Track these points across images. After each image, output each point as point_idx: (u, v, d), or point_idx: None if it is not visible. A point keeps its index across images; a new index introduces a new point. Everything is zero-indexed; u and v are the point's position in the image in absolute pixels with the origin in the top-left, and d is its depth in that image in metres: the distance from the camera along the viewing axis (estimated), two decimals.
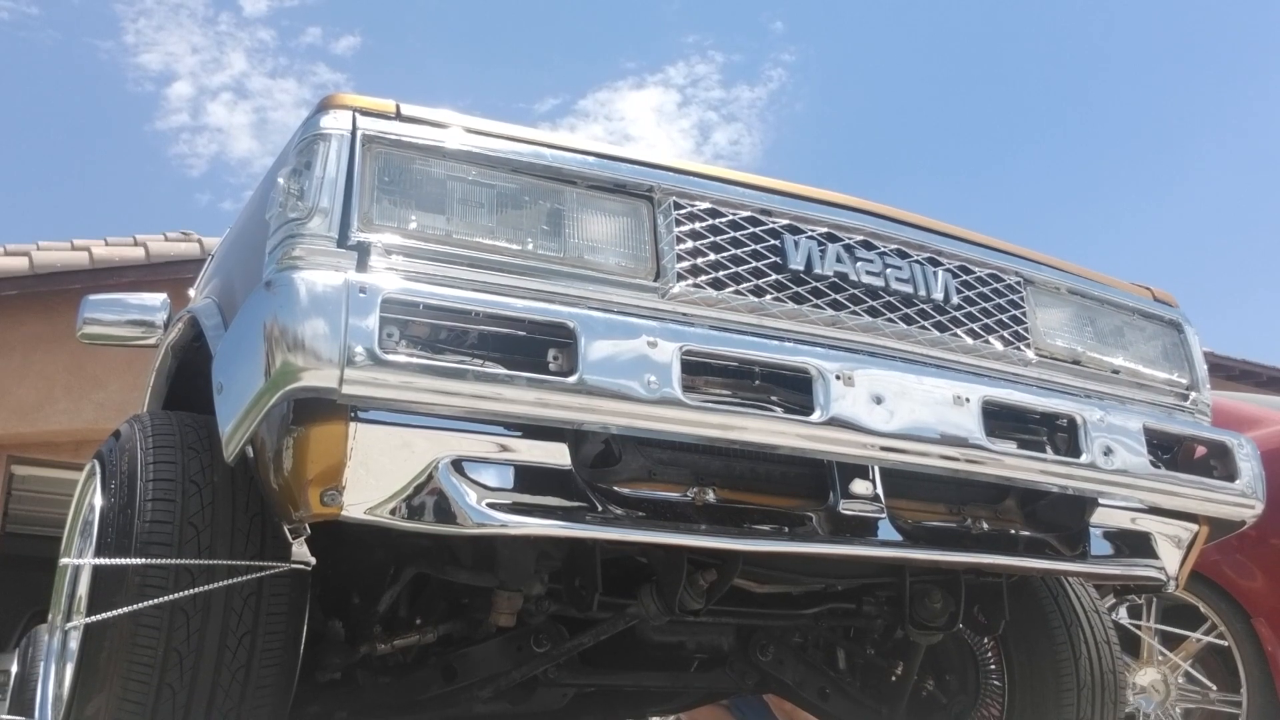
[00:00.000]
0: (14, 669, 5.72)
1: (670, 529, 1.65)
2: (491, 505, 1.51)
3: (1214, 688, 3.28)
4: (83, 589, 1.99)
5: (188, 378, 2.34)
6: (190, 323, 2.19)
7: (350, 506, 1.47)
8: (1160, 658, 3.33)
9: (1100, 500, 2.02)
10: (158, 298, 3.41)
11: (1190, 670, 3.32)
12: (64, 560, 2.03)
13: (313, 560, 1.61)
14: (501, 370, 1.47)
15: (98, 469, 1.91)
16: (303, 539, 1.58)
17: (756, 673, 2.51)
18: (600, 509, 1.59)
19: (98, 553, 1.73)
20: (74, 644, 1.96)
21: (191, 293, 3.61)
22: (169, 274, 7.49)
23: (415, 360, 1.42)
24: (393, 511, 1.49)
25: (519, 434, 1.54)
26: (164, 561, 1.59)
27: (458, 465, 1.50)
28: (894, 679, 2.61)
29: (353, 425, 1.44)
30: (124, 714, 1.61)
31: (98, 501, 1.85)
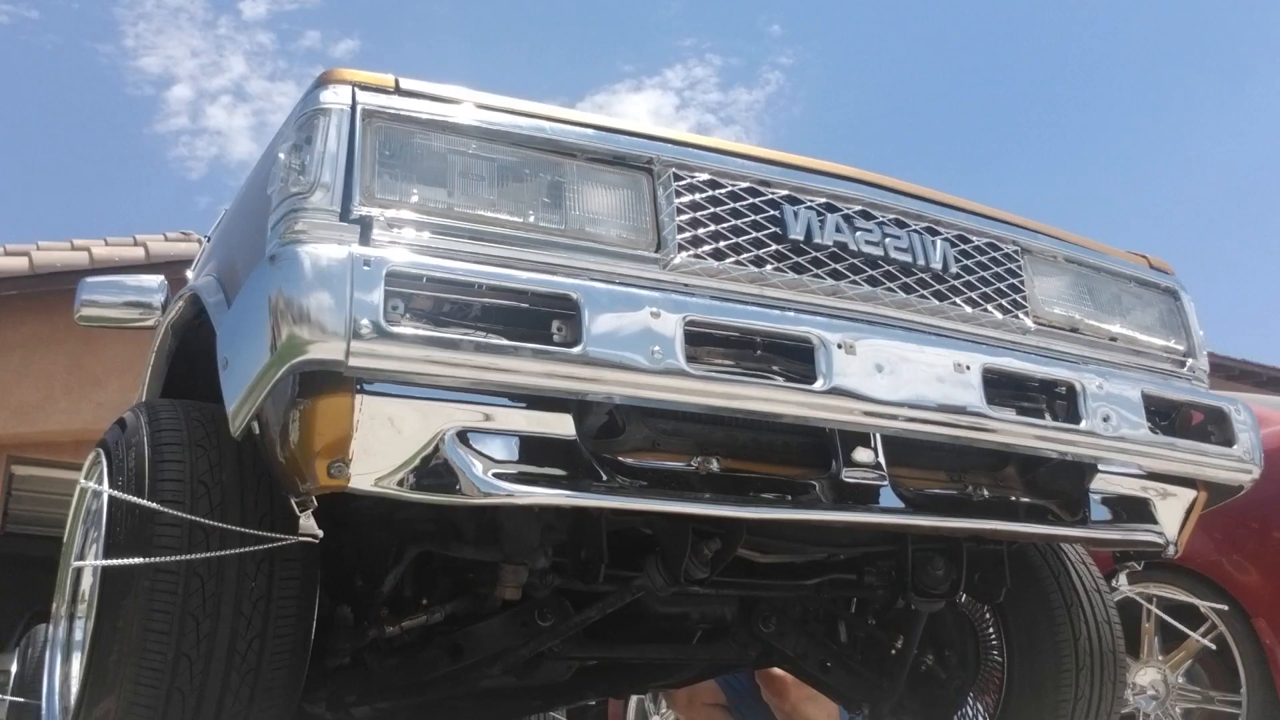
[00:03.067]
0: (14, 668, 5.74)
1: (675, 498, 1.66)
2: (498, 475, 1.52)
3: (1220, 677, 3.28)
4: (86, 583, 2.00)
5: (189, 357, 2.34)
6: (191, 300, 2.20)
7: (357, 477, 1.48)
8: (1160, 658, 3.34)
9: (1100, 466, 2.04)
10: (155, 279, 3.41)
11: (1208, 645, 3.31)
12: (76, 563, 2.04)
13: (320, 533, 1.61)
14: (506, 341, 1.48)
15: (103, 459, 1.91)
16: (309, 512, 1.59)
17: (759, 644, 2.52)
18: (606, 478, 1.60)
19: (106, 551, 1.71)
20: (79, 635, 1.97)
21: (189, 274, 3.61)
22: (169, 274, 7.42)
23: (420, 332, 1.42)
24: (399, 482, 1.50)
25: (524, 405, 1.55)
26: (171, 561, 1.59)
27: (463, 436, 1.51)
28: (894, 652, 2.62)
29: (359, 398, 1.45)
30: (138, 704, 1.62)
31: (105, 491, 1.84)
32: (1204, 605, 3.20)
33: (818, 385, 1.66)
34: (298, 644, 1.74)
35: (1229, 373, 11.03)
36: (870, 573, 2.40)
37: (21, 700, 5.03)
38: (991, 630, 2.63)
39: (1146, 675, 3.34)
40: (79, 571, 2.10)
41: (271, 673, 1.69)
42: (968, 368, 1.81)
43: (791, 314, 1.74)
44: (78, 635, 2.00)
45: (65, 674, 1.98)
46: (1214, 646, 3.14)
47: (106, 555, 1.71)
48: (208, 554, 1.64)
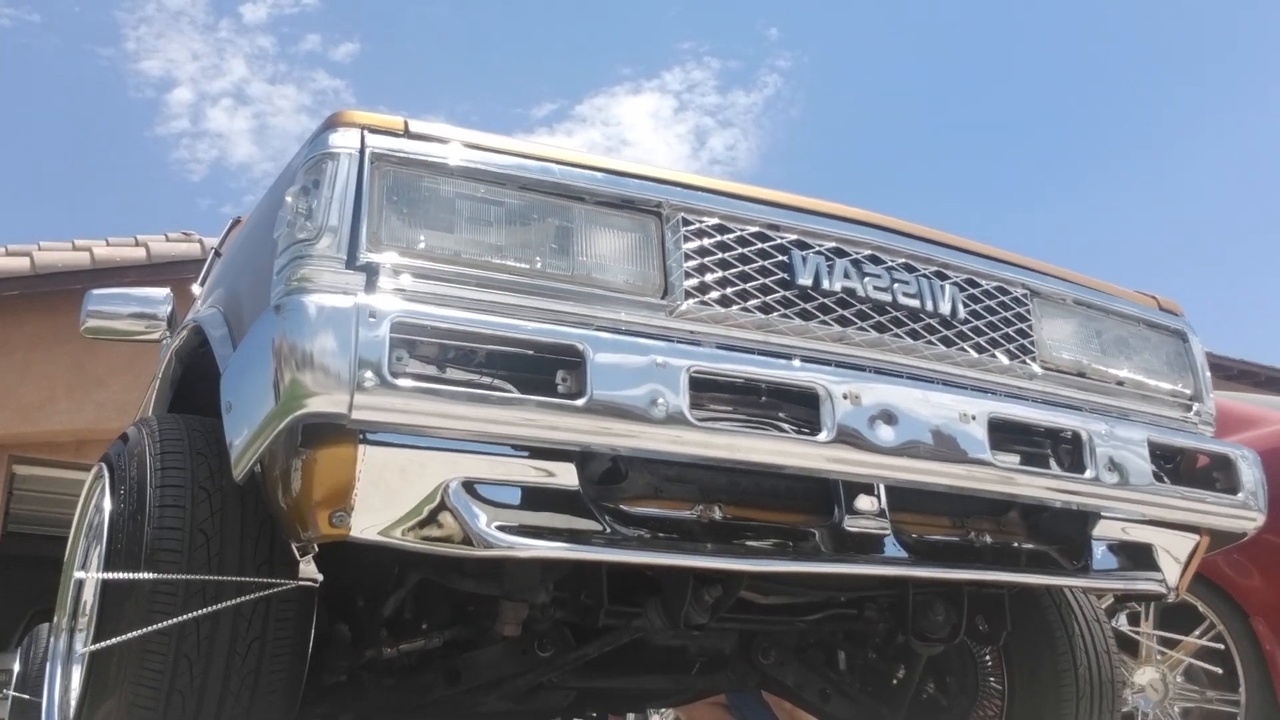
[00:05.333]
0: (16, 668, 5.74)
1: (676, 551, 1.65)
2: (501, 527, 1.51)
3: (1216, 678, 3.29)
4: (88, 593, 2.00)
5: (193, 381, 2.35)
6: (195, 330, 2.20)
7: (359, 527, 1.48)
8: (1159, 657, 3.34)
9: (1103, 514, 2.03)
10: (161, 292, 3.45)
11: (1194, 663, 3.32)
12: (78, 574, 2.04)
13: (320, 577, 1.61)
14: (511, 394, 1.47)
15: (106, 473, 1.92)
16: (310, 557, 1.58)
17: (757, 674, 2.53)
18: (607, 530, 1.59)
19: (107, 559, 1.73)
20: (80, 647, 1.97)
21: (195, 289, 3.63)
22: (170, 274, 7.48)
23: (424, 385, 1.42)
24: (402, 533, 1.49)
25: (527, 454, 1.54)
26: (172, 577, 1.59)
27: (467, 486, 1.50)
28: (895, 682, 2.62)
29: (362, 448, 1.44)
30: (138, 705, 1.62)
31: (106, 505, 1.85)
32: (1202, 605, 3.21)
33: (822, 436, 1.65)
34: (296, 650, 1.74)
35: (1227, 373, 11.02)
36: (870, 608, 2.39)
37: (26, 697, 5.02)
38: (990, 657, 2.63)
39: (1146, 675, 3.35)
40: (80, 584, 2.10)
41: (271, 675, 1.69)
42: (973, 417, 1.80)
43: (798, 362, 1.73)
44: (79, 647, 1.99)
45: (66, 685, 1.98)
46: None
47: (108, 560, 1.72)
48: (208, 578, 1.64)
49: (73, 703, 1.79)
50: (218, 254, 3.83)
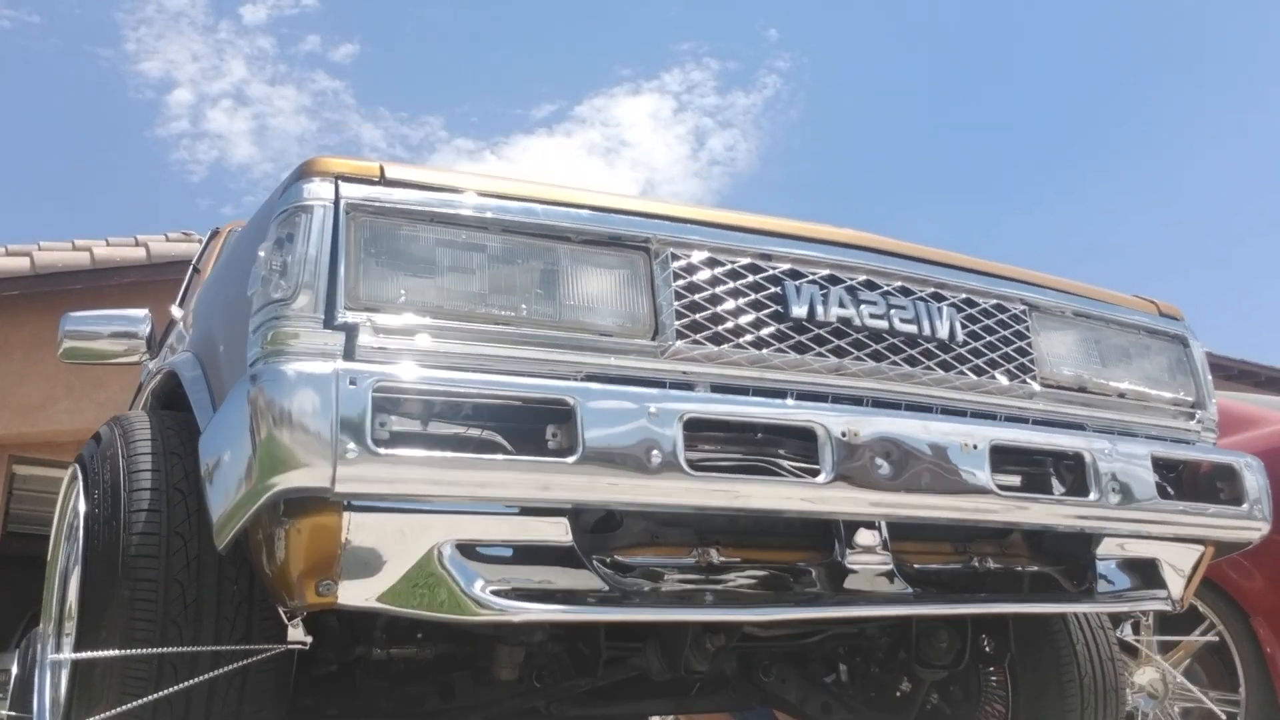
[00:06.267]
0: (14, 669, 5.74)
1: (675, 606, 1.62)
2: (495, 591, 1.47)
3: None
4: (73, 596, 1.97)
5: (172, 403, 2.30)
6: (171, 375, 2.14)
7: (347, 595, 1.44)
8: (1158, 657, 3.33)
9: (1107, 533, 2.00)
10: (139, 313, 3.36)
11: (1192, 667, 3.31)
12: (53, 656, 2.01)
13: (309, 640, 1.58)
14: (499, 457, 1.43)
15: (79, 475, 1.88)
16: (299, 621, 1.55)
17: (759, 693, 2.50)
18: (604, 588, 1.55)
19: (83, 564, 1.70)
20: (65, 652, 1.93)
21: (174, 311, 3.56)
22: (170, 274, 7.40)
23: (409, 453, 1.37)
24: (392, 599, 1.45)
25: (518, 512, 1.50)
26: (150, 651, 1.55)
27: (457, 549, 1.46)
28: (899, 694, 2.59)
29: (346, 515, 1.40)
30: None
31: (81, 508, 1.82)
32: (1202, 605, 3.20)
33: (821, 478, 1.61)
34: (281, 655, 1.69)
35: (1228, 373, 10.99)
36: (872, 627, 2.36)
37: (15, 714, 5.01)
38: (994, 668, 2.61)
39: (1145, 675, 3.34)
40: (65, 589, 2.07)
41: (259, 674, 1.65)
42: (975, 446, 1.76)
43: (792, 401, 1.69)
44: (64, 654, 1.96)
45: (55, 696, 1.95)
46: None
47: (85, 566, 1.70)
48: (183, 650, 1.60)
49: (61, 710, 1.76)
50: (196, 270, 3.76)
